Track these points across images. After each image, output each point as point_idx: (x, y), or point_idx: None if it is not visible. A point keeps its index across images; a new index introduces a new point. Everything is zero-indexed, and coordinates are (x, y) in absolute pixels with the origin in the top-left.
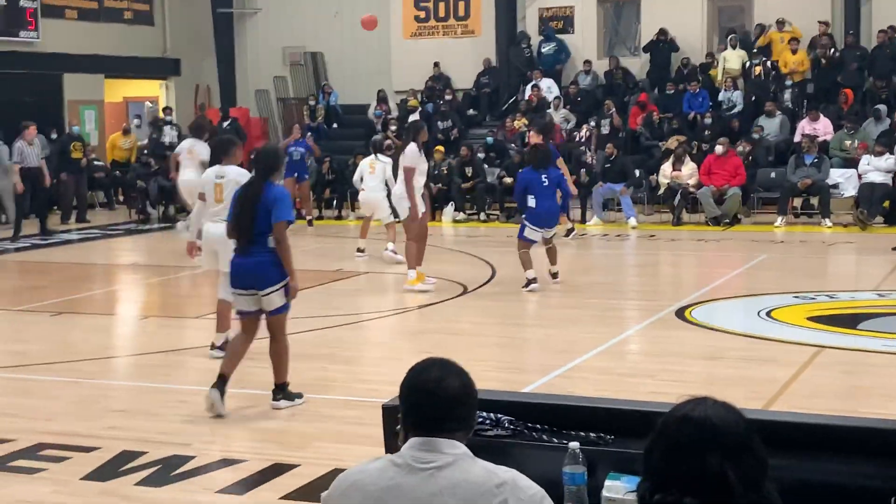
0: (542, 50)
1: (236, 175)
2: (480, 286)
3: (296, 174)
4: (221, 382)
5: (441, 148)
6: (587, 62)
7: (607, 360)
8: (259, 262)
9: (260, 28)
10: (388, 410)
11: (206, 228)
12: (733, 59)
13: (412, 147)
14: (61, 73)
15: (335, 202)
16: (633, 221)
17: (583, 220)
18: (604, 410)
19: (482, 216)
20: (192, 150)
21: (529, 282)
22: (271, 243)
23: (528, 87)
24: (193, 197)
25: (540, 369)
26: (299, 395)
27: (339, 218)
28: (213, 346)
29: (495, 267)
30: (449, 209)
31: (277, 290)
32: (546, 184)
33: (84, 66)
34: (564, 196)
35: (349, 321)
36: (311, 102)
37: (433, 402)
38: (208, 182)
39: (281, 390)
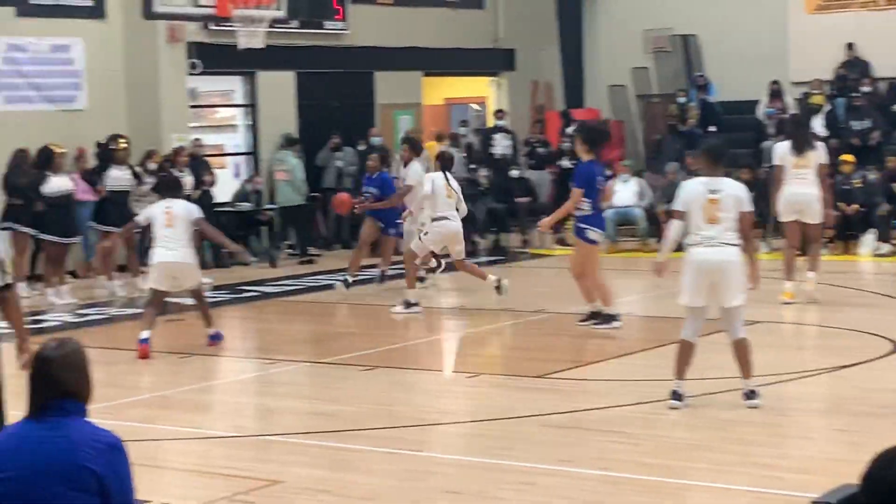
0: None
1: (735, 189)
2: None
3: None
4: None
5: (851, 157)
6: None
7: None
8: None
9: (615, 7)
10: None
11: (700, 257)
12: None
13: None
14: (372, 70)
15: None
16: None
17: None
18: None
19: None
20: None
21: None
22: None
23: None
24: None
25: None
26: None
27: None
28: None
29: None
30: (869, 238)
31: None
32: None
33: (399, 61)
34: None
35: (734, 387)
36: (681, 100)
37: None
38: (698, 197)
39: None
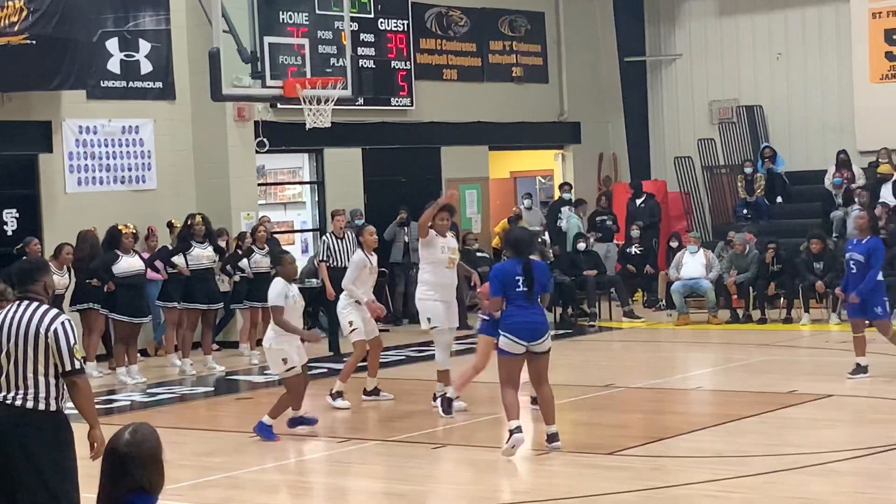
0: None
1: None
2: None
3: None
4: None
5: None
6: None
7: None
8: None
9: (680, 79)
10: None
11: None
12: None
13: None
14: (438, 146)
15: (782, 300)
16: None
17: None
18: None
19: None
20: None
21: None
22: None
23: None
24: None
25: None
26: None
27: (787, 321)
28: None
29: None
30: None
31: None
32: None
33: (465, 136)
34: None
35: (808, 462)
36: (747, 170)
37: None
38: None
39: None
